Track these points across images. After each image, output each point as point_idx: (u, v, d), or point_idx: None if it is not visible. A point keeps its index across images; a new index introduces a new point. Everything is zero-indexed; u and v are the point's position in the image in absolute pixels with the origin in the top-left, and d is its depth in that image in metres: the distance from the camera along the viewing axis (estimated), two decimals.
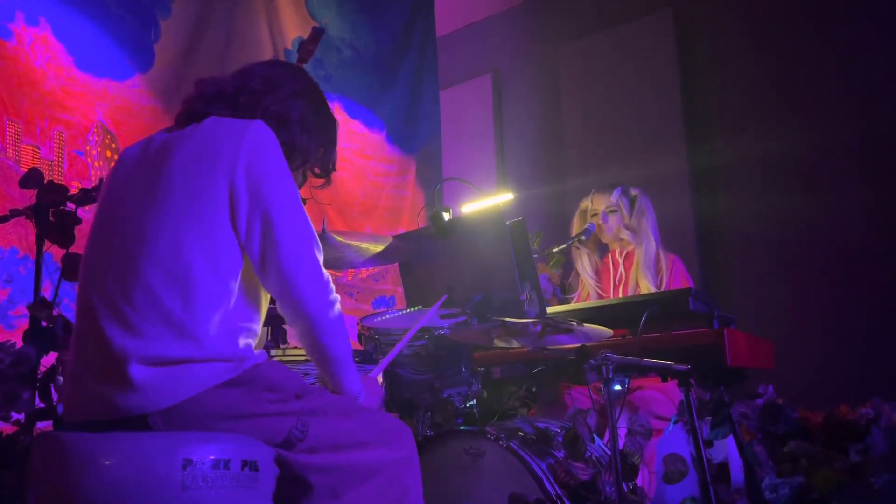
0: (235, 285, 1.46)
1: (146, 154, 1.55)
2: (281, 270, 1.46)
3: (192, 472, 1.29)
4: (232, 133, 1.50)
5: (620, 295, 3.07)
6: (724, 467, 2.47)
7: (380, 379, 1.86)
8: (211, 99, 1.60)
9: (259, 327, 1.53)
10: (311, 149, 1.69)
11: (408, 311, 2.35)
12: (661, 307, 2.26)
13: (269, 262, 1.46)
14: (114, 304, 1.40)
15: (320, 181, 1.79)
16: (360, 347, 2.25)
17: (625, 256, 3.14)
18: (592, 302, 2.99)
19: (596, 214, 3.15)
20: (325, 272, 1.54)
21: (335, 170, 1.80)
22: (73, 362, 1.47)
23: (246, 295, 1.49)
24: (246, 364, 1.42)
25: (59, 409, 2.16)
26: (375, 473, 1.47)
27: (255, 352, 1.48)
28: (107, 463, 1.27)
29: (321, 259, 1.54)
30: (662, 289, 2.99)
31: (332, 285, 1.55)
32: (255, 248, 1.46)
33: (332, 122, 1.77)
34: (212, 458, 1.31)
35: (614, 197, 3.13)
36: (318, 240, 1.56)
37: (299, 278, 1.47)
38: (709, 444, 2.16)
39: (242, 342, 1.46)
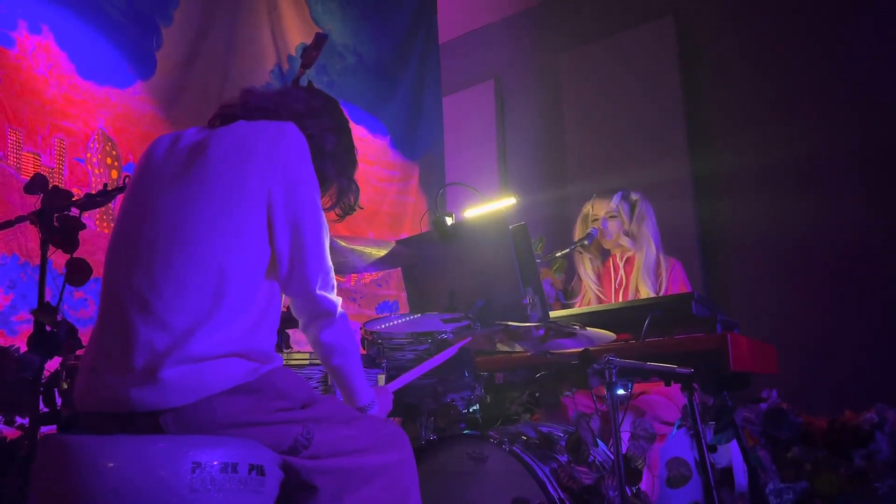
0: (261, 283, 1.48)
1: (176, 150, 1.56)
2: (305, 272, 1.51)
3: (200, 476, 1.29)
4: (268, 132, 1.53)
5: (621, 300, 3.06)
6: (727, 472, 2.46)
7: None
8: (252, 108, 1.63)
9: (276, 326, 1.55)
10: (341, 185, 1.73)
11: (412, 316, 2.35)
12: (664, 311, 2.26)
13: (297, 264, 1.51)
14: (142, 297, 1.39)
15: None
16: (364, 352, 2.25)
17: (625, 261, 3.13)
18: (595, 306, 2.98)
19: (597, 220, 3.14)
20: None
21: (359, 208, 1.83)
22: (93, 354, 1.45)
23: (268, 293, 1.51)
24: (263, 368, 1.42)
25: (63, 412, 2.15)
26: (377, 476, 1.50)
27: (274, 354, 1.49)
28: (112, 466, 1.27)
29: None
30: (662, 293, 2.98)
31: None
32: (285, 250, 1.50)
33: (355, 163, 1.80)
34: (220, 461, 1.31)
35: (614, 202, 3.12)
36: None
37: (319, 280, 1.54)
38: (712, 448, 2.15)
39: (265, 341, 1.47)
